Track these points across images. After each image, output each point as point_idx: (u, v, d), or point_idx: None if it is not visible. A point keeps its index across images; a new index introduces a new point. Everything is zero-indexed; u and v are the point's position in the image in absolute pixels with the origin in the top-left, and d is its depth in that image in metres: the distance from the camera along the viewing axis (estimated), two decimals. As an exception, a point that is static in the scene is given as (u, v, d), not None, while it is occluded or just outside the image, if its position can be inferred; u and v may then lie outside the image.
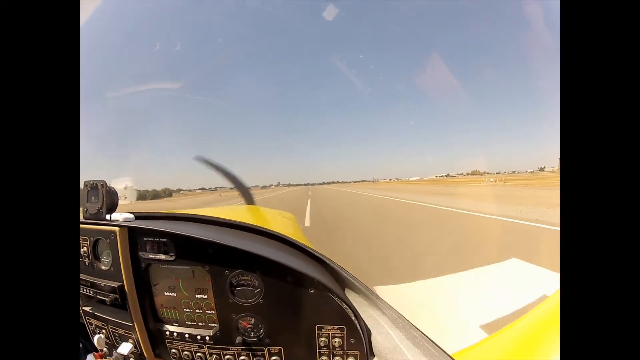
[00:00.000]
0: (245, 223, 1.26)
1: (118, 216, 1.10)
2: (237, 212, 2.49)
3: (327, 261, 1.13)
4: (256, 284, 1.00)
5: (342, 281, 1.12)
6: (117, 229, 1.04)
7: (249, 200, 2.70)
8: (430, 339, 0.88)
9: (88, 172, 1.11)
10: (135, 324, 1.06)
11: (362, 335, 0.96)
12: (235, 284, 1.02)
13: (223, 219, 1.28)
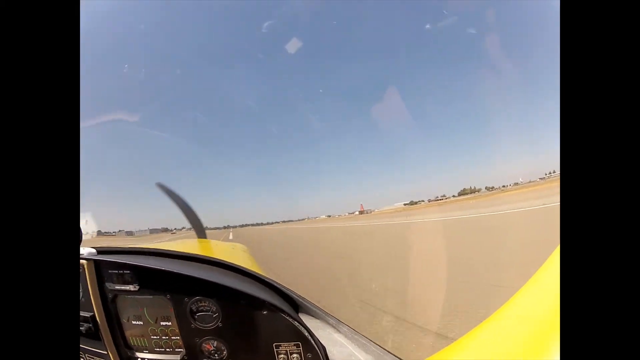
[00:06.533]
0: (201, 255, 1.35)
1: (82, 251, 1.15)
2: (193, 246, 2.66)
3: (278, 286, 1.23)
4: (214, 309, 1.08)
5: (294, 304, 1.22)
6: (84, 262, 1.10)
7: (200, 232, 2.81)
8: (383, 348, 0.96)
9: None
10: (109, 352, 1.12)
11: (318, 350, 1.02)
12: (195, 310, 1.09)
13: (180, 252, 1.38)
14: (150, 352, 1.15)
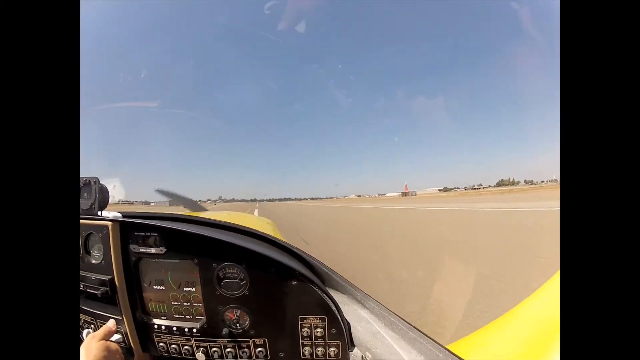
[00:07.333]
0: (231, 223, 1.30)
1: (107, 214, 1.13)
2: (222, 216, 2.61)
3: (307, 257, 1.18)
4: (242, 277, 1.04)
5: (322, 277, 1.18)
6: (109, 223, 1.07)
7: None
8: (408, 323, 0.91)
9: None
10: (124, 317, 1.07)
11: (342, 325, 1.00)
12: (222, 276, 1.05)
13: (210, 219, 1.32)
14: (168, 318, 1.10)
